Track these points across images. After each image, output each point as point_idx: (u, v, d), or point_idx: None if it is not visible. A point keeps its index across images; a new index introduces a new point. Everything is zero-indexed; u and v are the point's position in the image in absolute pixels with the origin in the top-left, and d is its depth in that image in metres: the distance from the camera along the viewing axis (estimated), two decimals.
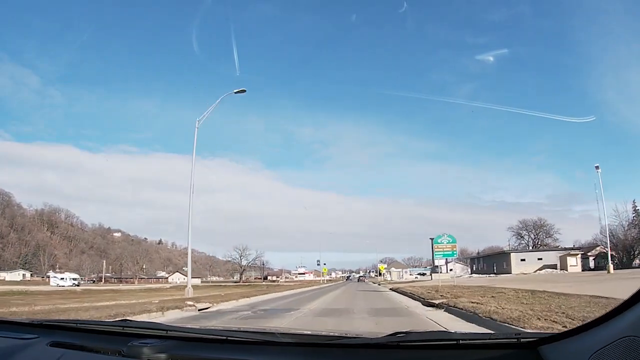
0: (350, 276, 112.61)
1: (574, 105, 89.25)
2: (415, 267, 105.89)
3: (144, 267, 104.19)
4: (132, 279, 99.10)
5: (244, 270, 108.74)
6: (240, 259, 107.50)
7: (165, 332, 1.86)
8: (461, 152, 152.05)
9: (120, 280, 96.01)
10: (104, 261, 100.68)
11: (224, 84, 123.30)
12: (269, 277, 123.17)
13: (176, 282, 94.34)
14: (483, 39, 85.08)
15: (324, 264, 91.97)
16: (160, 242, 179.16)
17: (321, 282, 77.44)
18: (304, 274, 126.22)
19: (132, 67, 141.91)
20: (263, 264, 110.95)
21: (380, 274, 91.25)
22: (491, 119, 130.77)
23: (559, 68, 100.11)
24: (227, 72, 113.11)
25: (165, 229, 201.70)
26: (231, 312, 13.40)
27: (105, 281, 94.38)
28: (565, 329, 1.47)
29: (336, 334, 1.89)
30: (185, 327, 2.07)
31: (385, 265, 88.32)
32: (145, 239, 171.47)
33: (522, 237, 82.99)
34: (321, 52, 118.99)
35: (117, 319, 2.70)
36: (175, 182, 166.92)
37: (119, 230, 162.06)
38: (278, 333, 1.84)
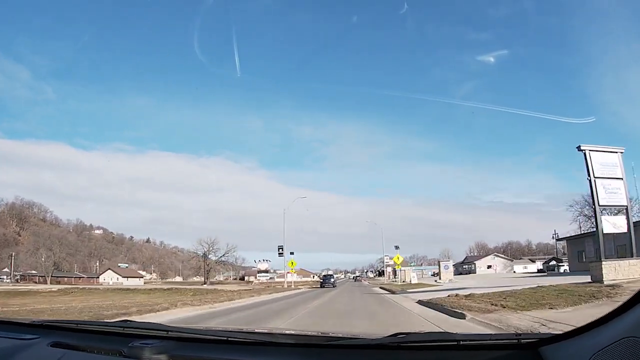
0: (330, 277, 51.83)
1: (574, 106, 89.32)
2: (419, 265, 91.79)
3: (54, 261, 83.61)
4: (66, 278, 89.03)
5: (210, 269, 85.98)
6: (206, 256, 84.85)
7: (166, 332, 1.86)
8: (461, 152, 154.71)
9: (57, 279, 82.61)
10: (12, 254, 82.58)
11: (224, 83, 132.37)
12: (246, 278, 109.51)
13: (109, 283, 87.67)
14: (483, 40, 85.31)
15: (291, 254, 52.28)
16: (148, 240, 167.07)
17: (285, 286, 45.92)
18: (266, 272, 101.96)
19: (132, 66, 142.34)
20: (213, 259, 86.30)
21: (380, 274, 68.12)
22: (491, 119, 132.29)
23: (558, 69, 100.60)
24: (227, 72, 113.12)
25: (161, 229, 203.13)
26: None
27: (29, 279, 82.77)
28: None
29: (337, 335, 1.90)
30: (186, 327, 2.06)
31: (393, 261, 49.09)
32: (132, 237, 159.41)
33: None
34: (321, 52, 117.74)
35: (117, 320, 2.57)
36: (171, 181, 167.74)
37: (100, 227, 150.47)
38: (278, 334, 1.88)
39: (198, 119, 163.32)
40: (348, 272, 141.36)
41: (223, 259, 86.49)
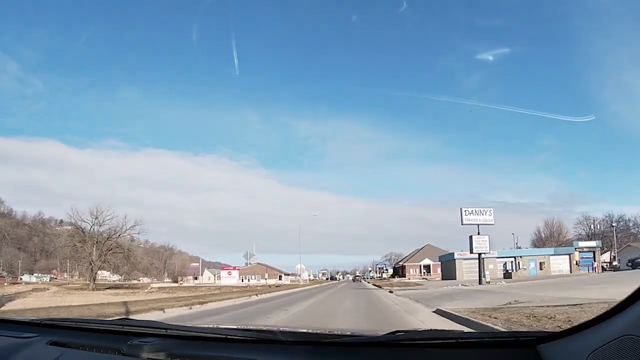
0: None
1: (576, 105, 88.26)
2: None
3: None
4: None
5: (92, 266, 51.47)
6: (92, 243, 51.52)
7: (164, 330, 1.90)
8: (463, 151, 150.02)
9: None
10: None
11: (221, 78, 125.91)
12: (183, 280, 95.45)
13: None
14: (483, 38, 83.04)
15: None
16: (132, 239, 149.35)
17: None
18: None
19: (126, 61, 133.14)
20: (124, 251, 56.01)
21: (396, 273, 51.94)
22: (492, 118, 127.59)
23: (559, 68, 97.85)
24: (225, 69, 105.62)
25: (152, 228, 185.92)
26: None
27: None
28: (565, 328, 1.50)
29: (337, 332, 1.96)
30: (185, 325, 2.08)
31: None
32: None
33: None
34: (320, 49, 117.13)
35: (116, 318, 2.61)
36: (165, 178, 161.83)
37: (71, 224, 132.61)
38: (278, 331, 1.89)
39: (194, 115, 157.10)
40: (347, 273, 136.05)
41: (119, 240, 54.35)
